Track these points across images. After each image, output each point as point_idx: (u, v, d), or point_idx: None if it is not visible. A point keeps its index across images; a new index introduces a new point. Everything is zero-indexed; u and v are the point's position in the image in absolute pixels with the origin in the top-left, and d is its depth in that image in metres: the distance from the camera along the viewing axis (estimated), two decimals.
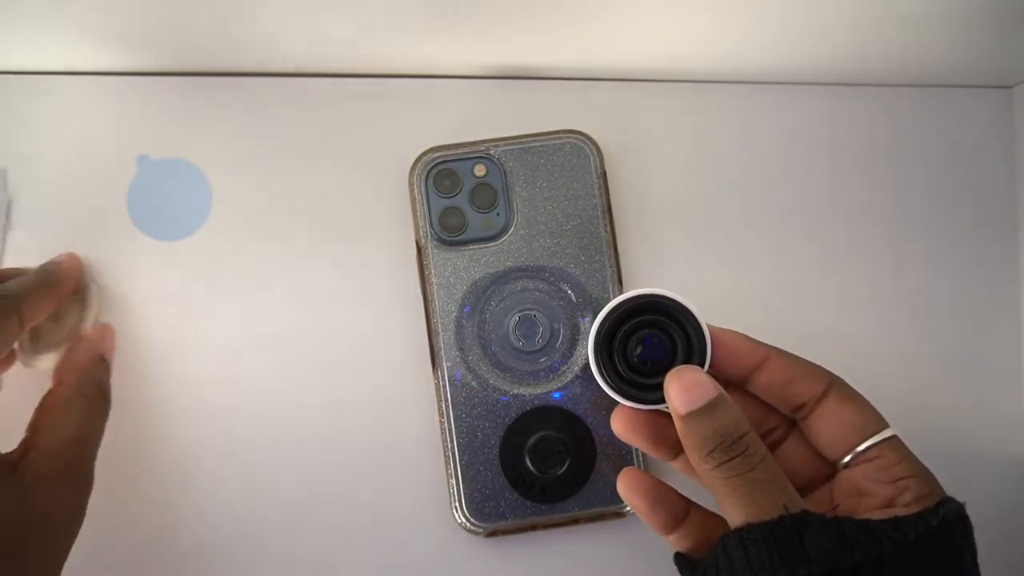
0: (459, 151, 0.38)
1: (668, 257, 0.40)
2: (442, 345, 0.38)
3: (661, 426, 0.32)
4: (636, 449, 0.38)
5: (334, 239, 0.40)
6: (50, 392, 0.34)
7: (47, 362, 0.36)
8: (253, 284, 0.39)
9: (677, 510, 0.32)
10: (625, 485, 0.32)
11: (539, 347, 0.38)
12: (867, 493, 0.29)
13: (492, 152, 0.38)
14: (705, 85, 0.41)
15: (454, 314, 0.38)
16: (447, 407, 0.38)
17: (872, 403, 0.30)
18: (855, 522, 0.26)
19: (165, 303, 0.39)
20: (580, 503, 0.37)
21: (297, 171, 0.40)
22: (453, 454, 0.37)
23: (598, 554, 0.39)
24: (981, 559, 0.28)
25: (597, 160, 0.38)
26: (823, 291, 0.40)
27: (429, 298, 0.38)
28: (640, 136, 0.40)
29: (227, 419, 0.38)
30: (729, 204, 0.41)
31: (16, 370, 0.36)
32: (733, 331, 0.32)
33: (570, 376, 0.38)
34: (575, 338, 0.38)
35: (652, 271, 0.40)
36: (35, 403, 0.34)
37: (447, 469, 0.38)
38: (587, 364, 0.38)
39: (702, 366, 0.31)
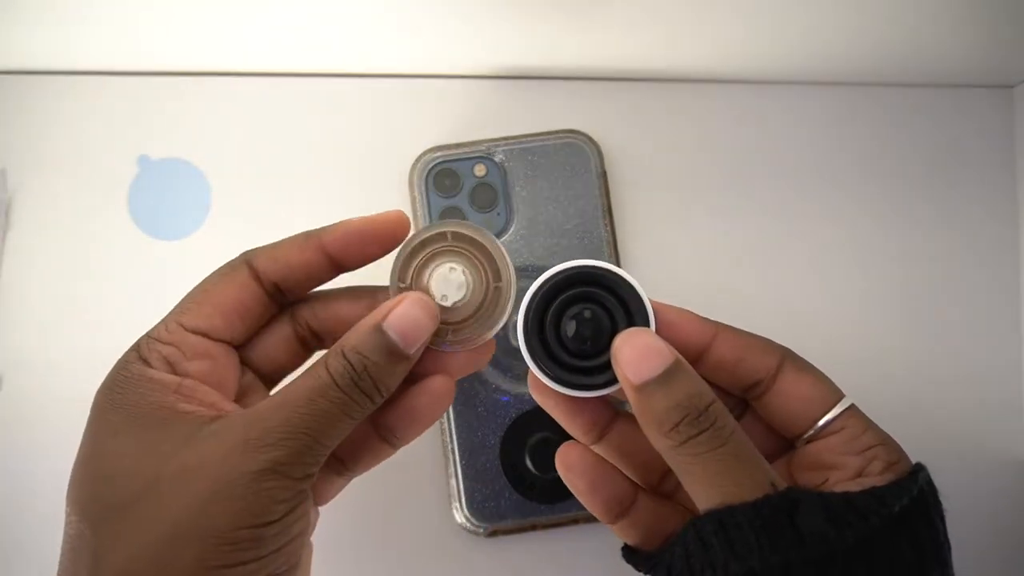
0: (459, 151, 0.38)
1: (668, 257, 0.40)
2: None
3: (578, 401, 0.28)
4: None
5: None
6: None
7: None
8: None
9: (622, 494, 0.28)
10: (561, 462, 0.29)
11: None
12: (835, 466, 0.27)
13: (492, 152, 0.38)
14: (705, 85, 0.41)
15: None
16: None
17: (827, 375, 0.28)
18: (839, 496, 0.24)
19: (165, 303, 0.39)
20: (580, 503, 0.37)
21: (297, 171, 0.40)
22: (453, 454, 0.37)
23: (598, 554, 0.39)
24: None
25: (597, 160, 0.38)
26: (823, 291, 0.40)
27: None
28: (640, 136, 0.40)
29: None
30: (729, 204, 0.40)
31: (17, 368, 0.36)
32: (679, 308, 0.28)
33: None
34: None
35: (652, 271, 0.40)
36: None
37: (447, 469, 0.38)
38: None
39: None
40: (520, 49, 0.38)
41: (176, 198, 0.39)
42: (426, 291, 0.28)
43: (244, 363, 0.29)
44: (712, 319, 0.28)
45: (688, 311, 0.28)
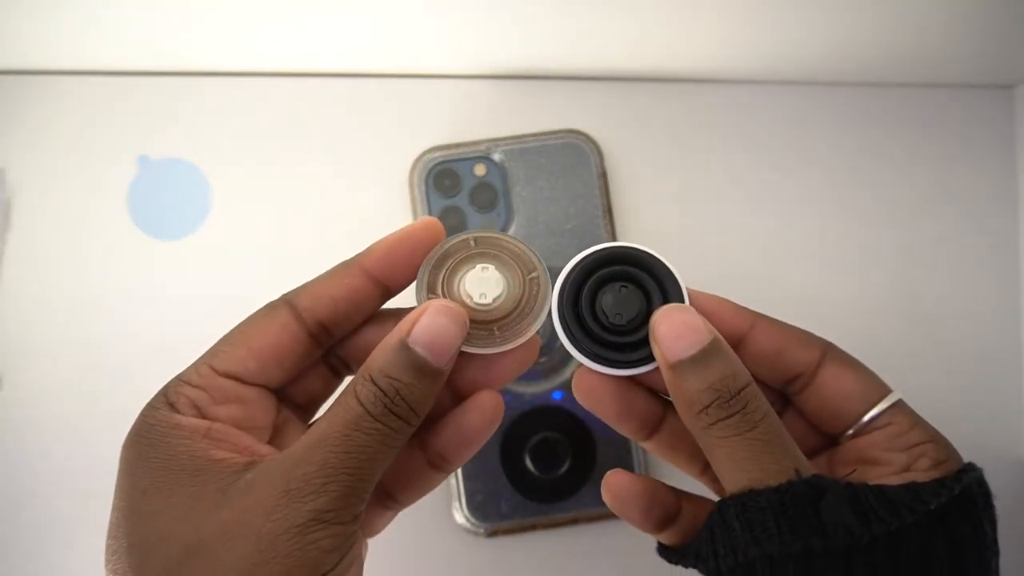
0: (459, 151, 0.38)
1: (668, 257, 0.40)
2: None
3: (628, 396, 0.27)
4: (635, 449, 0.38)
5: (334, 239, 0.39)
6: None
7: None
8: (253, 284, 0.39)
9: (670, 508, 0.28)
10: (612, 494, 0.27)
11: (539, 347, 0.38)
12: (879, 462, 0.26)
13: (492, 152, 0.38)
14: (705, 85, 0.41)
15: None
16: None
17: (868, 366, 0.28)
18: (871, 489, 0.23)
19: (165, 302, 0.39)
20: (580, 503, 0.37)
21: (297, 171, 0.40)
22: None
23: (598, 554, 0.39)
24: None
25: (597, 160, 0.38)
26: (824, 291, 0.40)
27: None
28: (640, 136, 0.40)
29: None
30: (729, 204, 0.40)
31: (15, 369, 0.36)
32: (716, 296, 0.27)
33: (570, 376, 0.38)
34: None
35: None
36: None
37: None
38: None
39: None
40: (520, 49, 0.38)
41: (176, 198, 0.39)
42: (460, 296, 0.27)
43: (279, 399, 0.27)
44: (751, 309, 0.27)
45: (725, 299, 0.27)
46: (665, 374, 0.25)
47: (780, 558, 0.22)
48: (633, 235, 0.40)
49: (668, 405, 0.28)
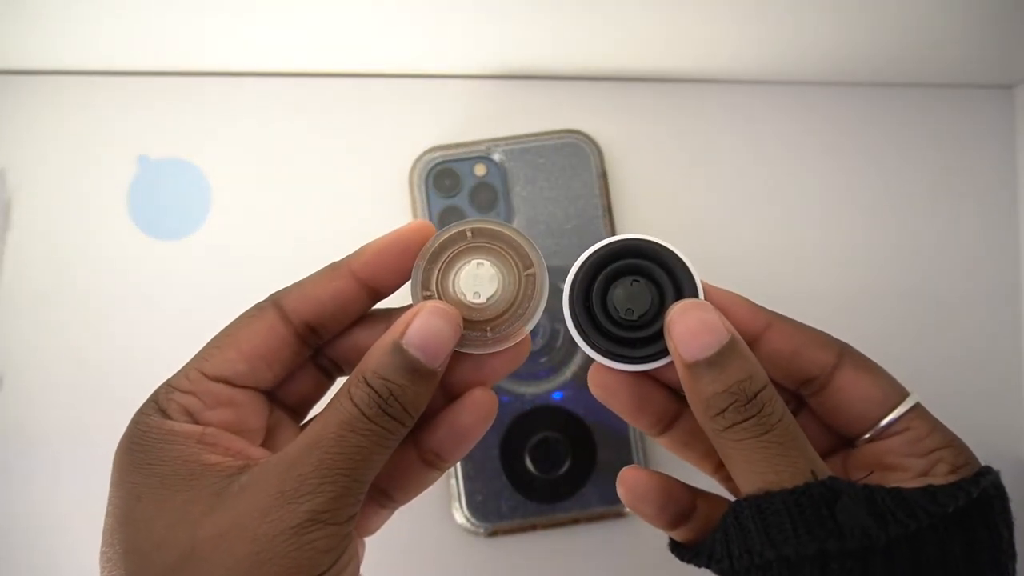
0: (459, 151, 0.38)
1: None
2: None
3: (644, 392, 0.27)
4: (635, 449, 0.38)
5: (334, 239, 0.39)
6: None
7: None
8: (253, 284, 0.39)
9: (685, 504, 0.27)
10: (627, 488, 0.27)
11: (539, 347, 0.38)
12: (896, 468, 0.26)
13: (492, 152, 0.38)
14: (705, 85, 0.41)
15: None
16: None
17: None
18: (888, 491, 0.23)
19: (165, 303, 0.39)
20: (580, 503, 0.37)
21: (297, 171, 0.40)
22: None
23: (598, 554, 0.39)
24: None
25: (597, 160, 0.38)
26: (824, 292, 0.40)
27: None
28: (640, 136, 0.40)
29: None
30: (729, 204, 0.40)
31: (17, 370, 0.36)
32: (732, 292, 0.27)
33: (570, 376, 0.38)
34: None
35: None
36: None
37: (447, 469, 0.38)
38: (587, 363, 0.38)
39: None
40: (520, 49, 0.38)
41: (176, 198, 0.39)
42: (454, 294, 0.27)
43: (270, 401, 0.27)
44: (766, 308, 0.27)
45: (741, 296, 0.27)
46: (681, 373, 0.25)
47: (796, 560, 0.22)
48: None
49: (683, 400, 0.27)
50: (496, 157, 0.38)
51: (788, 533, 0.22)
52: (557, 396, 0.38)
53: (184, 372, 0.26)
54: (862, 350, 0.41)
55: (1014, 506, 0.26)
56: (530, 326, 0.27)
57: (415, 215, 0.38)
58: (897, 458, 0.26)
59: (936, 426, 0.26)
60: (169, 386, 0.26)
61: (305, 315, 0.26)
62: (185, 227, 0.39)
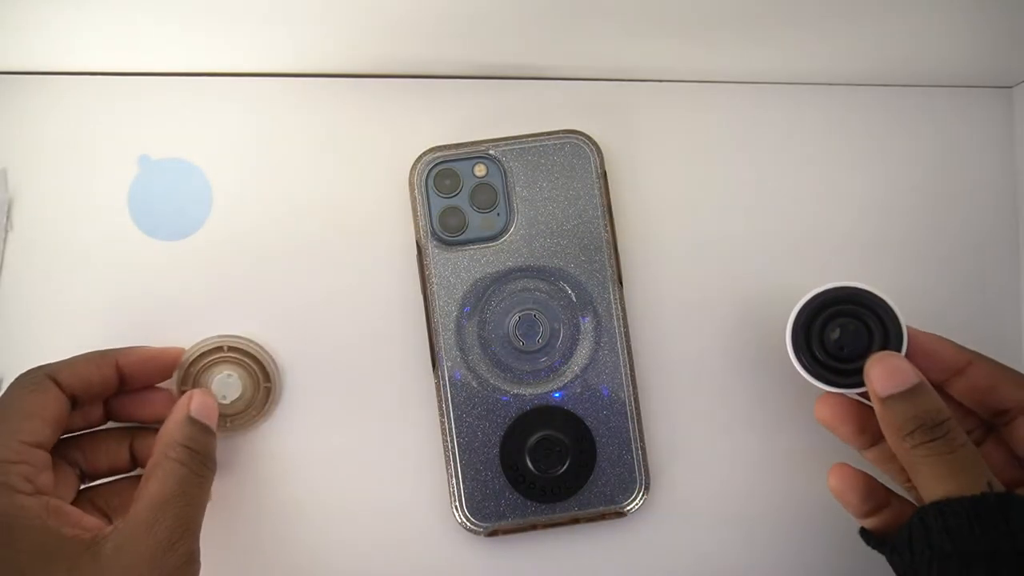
0: (459, 151, 0.38)
1: (668, 257, 0.40)
2: (442, 345, 0.38)
3: (865, 416, 0.33)
4: (635, 448, 0.38)
5: (334, 239, 0.40)
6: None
7: None
8: (253, 284, 0.39)
9: (881, 499, 0.33)
10: (837, 478, 0.33)
11: (539, 347, 0.38)
12: None
13: (492, 152, 0.38)
14: (705, 85, 0.41)
15: (454, 314, 0.38)
16: (447, 407, 0.38)
17: None
18: None
19: (165, 303, 0.39)
20: (580, 503, 0.37)
21: (297, 171, 0.40)
22: (453, 454, 0.37)
23: (598, 554, 0.39)
24: None
25: (597, 160, 0.38)
26: None
27: (429, 298, 0.38)
28: (640, 136, 0.40)
29: None
30: (729, 204, 0.40)
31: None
32: (936, 335, 0.33)
33: (570, 376, 0.38)
34: (575, 338, 0.38)
35: (652, 271, 0.40)
36: None
37: (447, 469, 0.38)
38: (587, 365, 0.38)
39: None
40: (520, 49, 0.38)
41: (176, 198, 0.39)
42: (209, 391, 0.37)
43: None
44: (970, 348, 0.33)
45: (946, 339, 0.33)
46: (877, 407, 0.31)
47: (970, 556, 0.26)
48: (633, 235, 0.40)
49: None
50: (496, 157, 0.38)
51: (965, 531, 0.26)
52: (557, 396, 0.38)
53: (4, 444, 0.30)
54: None
55: None
56: (261, 423, 0.38)
57: (415, 215, 0.38)
58: None
59: None
60: (2, 462, 0.30)
61: (75, 389, 0.33)
62: (185, 227, 0.39)
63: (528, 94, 0.40)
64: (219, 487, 0.38)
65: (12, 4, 0.33)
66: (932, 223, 0.41)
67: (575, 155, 0.38)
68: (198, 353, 0.37)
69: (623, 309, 0.38)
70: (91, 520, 0.30)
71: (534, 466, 0.37)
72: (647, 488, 0.38)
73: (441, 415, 0.38)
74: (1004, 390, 0.31)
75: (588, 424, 0.38)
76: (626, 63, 0.40)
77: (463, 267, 0.38)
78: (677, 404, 0.39)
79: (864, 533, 0.33)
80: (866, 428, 0.33)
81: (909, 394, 0.30)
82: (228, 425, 0.37)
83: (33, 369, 0.33)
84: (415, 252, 0.38)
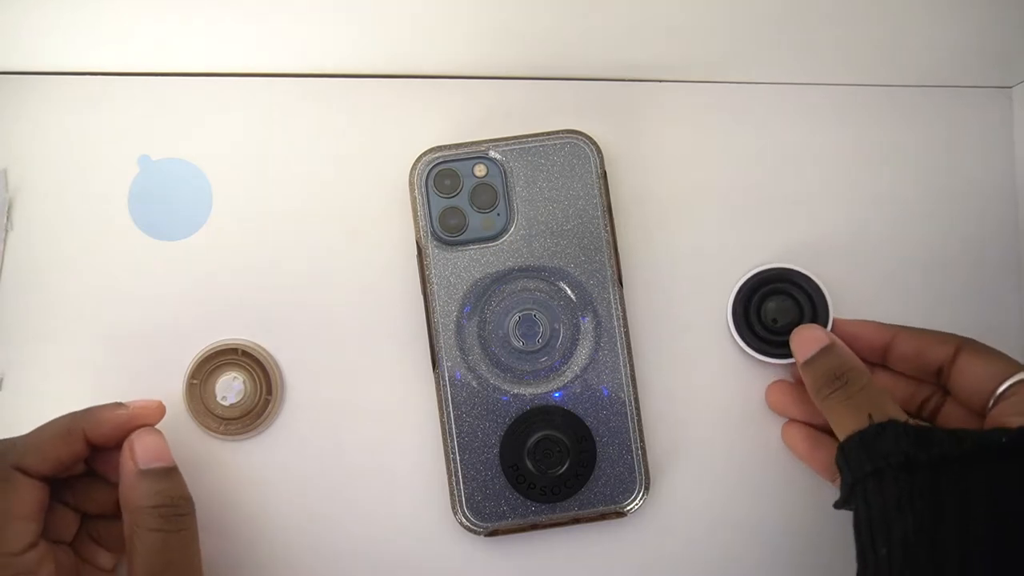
0: (459, 151, 0.38)
1: (668, 257, 0.40)
2: (442, 345, 0.38)
3: (808, 401, 0.36)
4: (635, 449, 0.38)
5: (334, 239, 0.40)
6: None
7: None
8: (253, 284, 0.39)
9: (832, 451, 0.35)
10: (788, 433, 0.38)
11: (539, 347, 0.38)
12: (1006, 425, 0.30)
13: (492, 152, 0.38)
14: (705, 85, 0.41)
15: (454, 314, 0.38)
16: (447, 407, 0.38)
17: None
18: (945, 430, 0.30)
19: (165, 303, 0.39)
20: (580, 503, 0.37)
21: (297, 171, 0.40)
22: (453, 454, 0.37)
23: (598, 554, 0.39)
24: None
25: (597, 160, 0.38)
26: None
27: (429, 298, 0.38)
28: (640, 136, 0.40)
29: None
30: (729, 204, 0.40)
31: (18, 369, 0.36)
32: (861, 320, 0.37)
33: (570, 376, 0.38)
34: (575, 338, 0.38)
35: (652, 271, 0.40)
36: None
37: (447, 469, 0.38)
38: (587, 365, 0.38)
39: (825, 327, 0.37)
40: (520, 49, 0.38)
41: (176, 198, 0.39)
42: (212, 390, 0.37)
43: None
44: (892, 323, 0.36)
45: (869, 321, 0.37)
46: (802, 374, 0.35)
47: (864, 477, 0.30)
48: (632, 235, 0.40)
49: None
50: (496, 157, 0.38)
51: (860, 461, 0.30)
52: (557, 396, 0.38)
53: None
54: None
55: None
56: (255, 434, 0.38)
57: (415, 215, 0.38)
58: (1007, 417, 0.31)
59: None
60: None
61: (45, 472, 0.31)
62: (186, 227, 0.39)
63: (528, 94, 0.40)
64: (220, 489, 0.38)
65: (12, 4, 0.33)
66: (932, 223, 0.41)
67: (575, 155, 0.38)
68: (212, 351, 0.37)
69: (623, 309, 0.38)
70: None
71: (534, 466, 0.37)
72: (647, 488, 0.38)
73: (441, 415, 0.38)
74: (930, 352, 0.34)
75: (588, 424, 0.38)
76: (626, 63, 0.40)
77: (463, 267, 0.38)
78: (677, 404, 0.39)
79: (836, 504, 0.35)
80: (815, 408, 0.35)
81: (820, 355, 0.34)
82: (222, 430, 0.37)
83: None
84: (415, 252, 0.38)
